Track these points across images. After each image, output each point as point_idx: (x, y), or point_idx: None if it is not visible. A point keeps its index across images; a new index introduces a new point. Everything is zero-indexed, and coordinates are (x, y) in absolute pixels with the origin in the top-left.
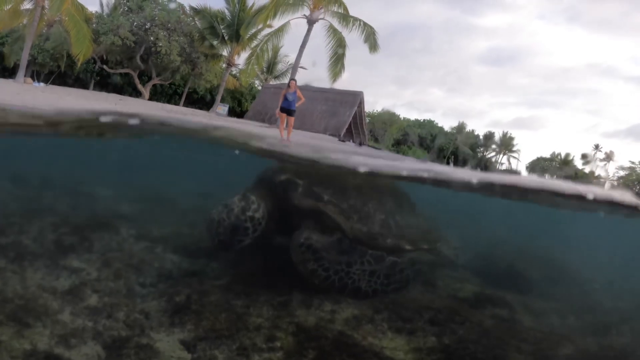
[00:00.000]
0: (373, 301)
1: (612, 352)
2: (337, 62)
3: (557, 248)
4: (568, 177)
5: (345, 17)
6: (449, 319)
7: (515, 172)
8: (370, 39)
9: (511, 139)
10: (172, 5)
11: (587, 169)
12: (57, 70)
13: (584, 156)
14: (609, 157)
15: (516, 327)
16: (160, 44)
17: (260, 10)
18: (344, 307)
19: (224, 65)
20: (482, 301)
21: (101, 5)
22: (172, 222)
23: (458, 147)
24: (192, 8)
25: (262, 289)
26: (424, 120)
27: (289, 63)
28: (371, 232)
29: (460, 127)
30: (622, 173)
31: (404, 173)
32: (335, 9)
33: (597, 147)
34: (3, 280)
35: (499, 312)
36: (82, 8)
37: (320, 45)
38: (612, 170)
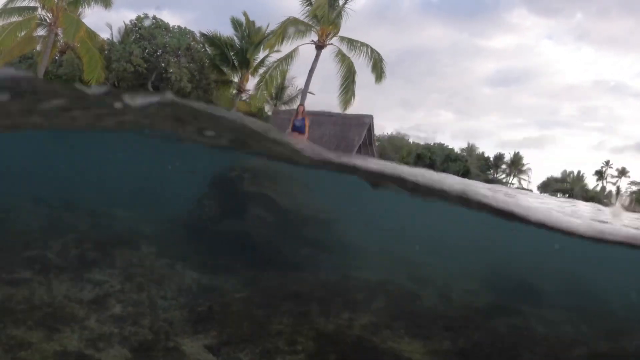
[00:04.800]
0: (393, 310)
1: (625, 353)
2: (348, 89)
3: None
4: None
5: (353, 43)
6: (464, 325)
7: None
8: (377, 67)
9: (520, 158)
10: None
11: (599, 187)
12: None
13: (598, 173)
14: (621, 173)
15: (530, 333)
16: (171, 71)
17: (268, 35)
18: (361, 315)
19: (235, 92)
20: (495, 311)
21: (111, 32)
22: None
23: (469, 170)
24: (202, 34)
25: (282, 301)
26: (434, 144)
27: (297, 88)
28: (297, 204)
29: (470, 150)
30: (634, 188)
31: None
32: (343, 34)
33: (607, 163)
34: (30, 290)
35: (513, 321)
36: (94, 35)
37: (329, 70)
38: (624, 186)
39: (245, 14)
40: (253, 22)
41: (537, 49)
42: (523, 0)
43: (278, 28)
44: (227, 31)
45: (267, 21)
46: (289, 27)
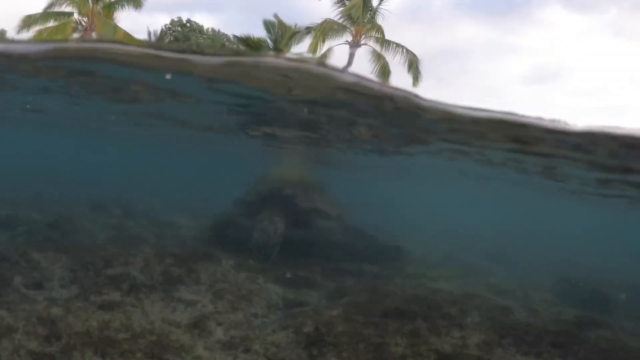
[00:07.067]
0: (495, 326)
1: None
2: None
3: None
4: None
5: (388, 44)
6: (568, 341)
7: None
8: (414, 68)
9: None
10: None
11: None
12: None
13: None
14: None
15: (625, 344)
16: None
17: (299, 32)
18: (470, 334)
19: None
20: (585, 324)
21: (149, 34)
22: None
23: None
24: (235, 37)
25: (385, 319)
26: None
27: None
28: (337, 213)
29: None
30: None
31: None
32: (377, 34)
33: None
34: (126, 315)
35: (603, 333)
36: (130, 39)
37: (363, 71)
38: None
39: (276, 16)
40: (284, 24)
41: (571, 45)
42: None
43: (317, 30)
44: (257, 32)
45: (295, 21)
46: (327, 30)
